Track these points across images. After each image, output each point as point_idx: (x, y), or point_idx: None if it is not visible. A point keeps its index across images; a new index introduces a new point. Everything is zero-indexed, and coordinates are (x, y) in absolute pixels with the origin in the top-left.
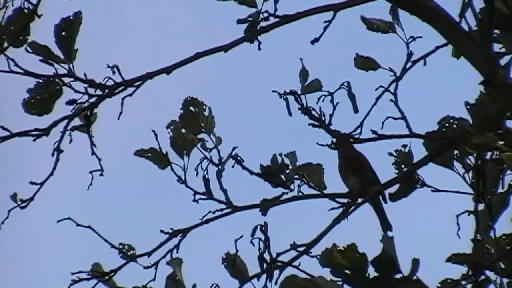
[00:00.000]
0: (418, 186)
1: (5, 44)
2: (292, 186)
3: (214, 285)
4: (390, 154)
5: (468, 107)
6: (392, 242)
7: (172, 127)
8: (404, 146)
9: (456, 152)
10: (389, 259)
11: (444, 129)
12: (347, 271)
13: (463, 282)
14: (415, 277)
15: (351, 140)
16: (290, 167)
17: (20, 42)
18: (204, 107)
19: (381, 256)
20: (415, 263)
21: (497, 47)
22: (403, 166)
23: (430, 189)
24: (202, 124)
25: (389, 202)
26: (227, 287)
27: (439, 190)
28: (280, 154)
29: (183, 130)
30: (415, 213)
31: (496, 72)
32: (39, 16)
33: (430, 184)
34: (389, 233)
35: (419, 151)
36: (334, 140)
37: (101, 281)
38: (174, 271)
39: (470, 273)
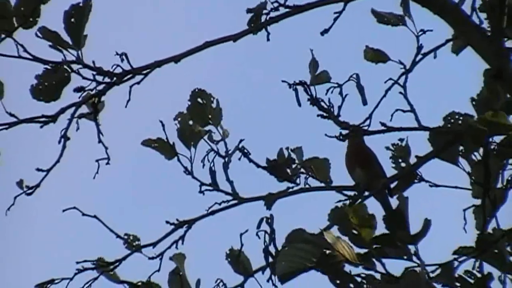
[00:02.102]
0: (415, 181)
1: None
2: (298, 181)
3: (219, 281)
4: (387, 148)
5: (474, 102)
6: (406, 203)
7: (179, 119)
8: (401, 140)
9: (461, 148)
10: (401, 217)
11: (449, 125)
12: (355, 231)
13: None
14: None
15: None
16: (297, 161)
17: (29, 24)
18: (212, 99)
19: (395, 212)
20: (427, 223)
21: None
22: (400, 160)
23: (428, 184)
24: (210, 116)
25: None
26: (232, 280)
27: (437, 185)
28: (287, 148)
29: (191, 122)
30: (415, 209)
31: (506, 66)
32: None
33: (433, 179)
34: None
35: (425, 145)
36: (348, 130)
37: (105, 271)
38: (178, 266)
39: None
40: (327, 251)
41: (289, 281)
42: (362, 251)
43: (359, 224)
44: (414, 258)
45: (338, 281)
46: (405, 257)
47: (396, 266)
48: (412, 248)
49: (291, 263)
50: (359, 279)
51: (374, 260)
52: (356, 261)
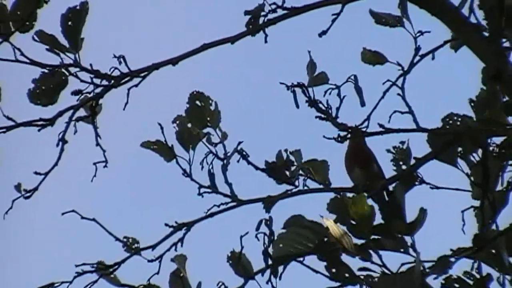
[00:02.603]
0: (416, 183)
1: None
2: (296, 183)
3: (220, 283)
4: (388, 151)
5: (472, 104)
6: (403, 195)
7: (178, 122)
8: (402, 142)
9: (459, 149)
10: (398, 206)
11: (448, 126)
12: (353, 222)
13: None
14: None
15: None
16: (295, 163)
17: (26, 28)
18: (210, 101)
19: (391, 201)
20: (422, 212)
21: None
22: (401, 163)
23: (429, 186)
24: (208, 119)
25: None
26: (232, 282)
27: (437, 187)
28: (286, 150)
29: (189, 125)
30: (415, 210)
31: (505, 67)
32: (45, 2)
33: (432, 181)
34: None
35: (424, 146)
36: (348, 131)
37: (104, 274)
38: (179, 268)
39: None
40: (326, 238)
41: (283, 264)
42: (360, 242)
43: (358, 215)
44: (411, 251)
45: (334, 270)
46: (402, 250)
47: (393, 259)
48: (409, 240)
49: (289, 246)
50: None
51: (371, 252)
52: (353, 251)
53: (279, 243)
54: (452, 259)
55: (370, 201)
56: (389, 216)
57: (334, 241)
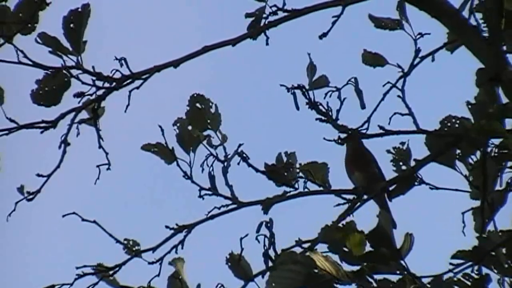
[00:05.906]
0: (416, 183)
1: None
2: (296, 185)
3: (219, 285)
4: (388, 151)
5: (470, 106)
6: (388, 219)
7: (178, 124)
8: (403, 143)
9: (458, 151)
10: (384, 234)
11: (446, 129)
12: (345, 249)
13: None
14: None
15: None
16: (295, 165)
17: (28, 30)
18: (211, 104)
19: (376, 230)
20: (408, 238)
21: None
22: (401, 163)
23: (429, 186)
24: (209, 121)
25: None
26: (232, 284)
27: (437, 188)
28: (285, 153)
29: (190, 127)
30: (414, 211)
31: (504, 68)
32: (47, 4)
33: (431, 182)
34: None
35: (424, 148)
36: (345, 135)
37: (105, 277)
38: (177, 271)
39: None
40: (315, 271)
41: None
42: (355, 268)
43: (350, 242)
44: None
45: None
46: (397, 272)
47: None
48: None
49: (280, 285)
50: None
51: (367, 277)
52: (345, 278)
53: (271, 282)
54: (451, 274)
55: (366, 216)
56: (377, 243)
57: (323, 273)
